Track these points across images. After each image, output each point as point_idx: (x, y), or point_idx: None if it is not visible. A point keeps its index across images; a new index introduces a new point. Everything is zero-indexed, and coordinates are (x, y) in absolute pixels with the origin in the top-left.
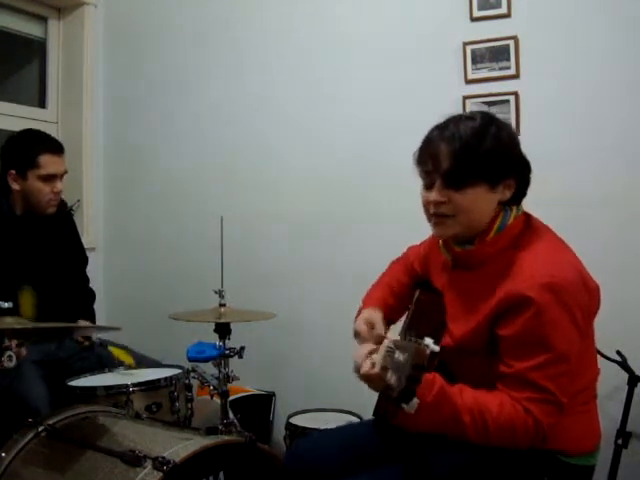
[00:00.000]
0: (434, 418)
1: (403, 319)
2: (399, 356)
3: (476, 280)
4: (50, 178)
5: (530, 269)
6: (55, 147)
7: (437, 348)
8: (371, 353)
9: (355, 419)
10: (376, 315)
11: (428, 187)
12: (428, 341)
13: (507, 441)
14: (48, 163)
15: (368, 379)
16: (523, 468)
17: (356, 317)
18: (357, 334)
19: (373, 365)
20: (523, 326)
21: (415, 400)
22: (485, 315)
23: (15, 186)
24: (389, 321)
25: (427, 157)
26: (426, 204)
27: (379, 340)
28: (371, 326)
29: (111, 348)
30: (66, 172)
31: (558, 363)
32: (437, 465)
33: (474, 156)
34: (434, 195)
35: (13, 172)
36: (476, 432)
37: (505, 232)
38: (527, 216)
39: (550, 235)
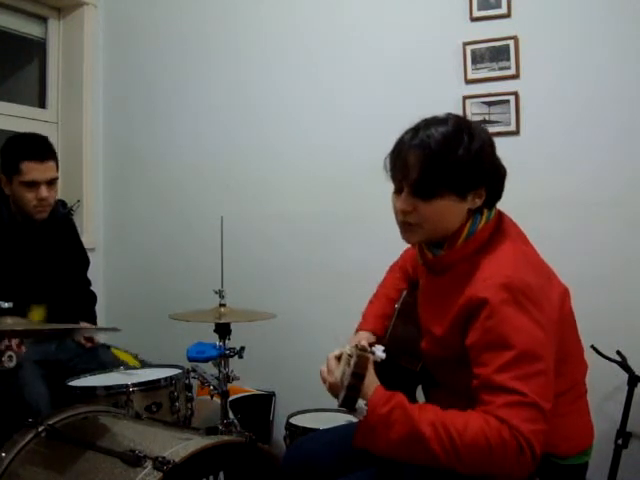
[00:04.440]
0: (392, 435)
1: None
2: (351, 363)
3: (444, 286)
4: (33, 185)
5: (488, 272)
6: (38, 154)
7: (383, 356)
8: (338, 358)
9: (355, 419)
10: (367, 340)
11: (397, 192)
12: (375, 348)
13: (484, 459)
14: (29, 170)
15: (325, 385)
16: None
17: (355, 332)
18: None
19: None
20: (481, 329)
21: (362, 407)
22: (450, 322)
23: (7, 191)
24: None
25: (396, 164)
26: (395, 210)
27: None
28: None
29: (115, 351)
30: (55, 179)
31: (525, 362)
32: (415, 468)
33: (443, 167)
34: (400, 203)
35: (4, 177)
36: (443, 448)
37: (474, 238)
38: (498, 219)
39: (516, 239)
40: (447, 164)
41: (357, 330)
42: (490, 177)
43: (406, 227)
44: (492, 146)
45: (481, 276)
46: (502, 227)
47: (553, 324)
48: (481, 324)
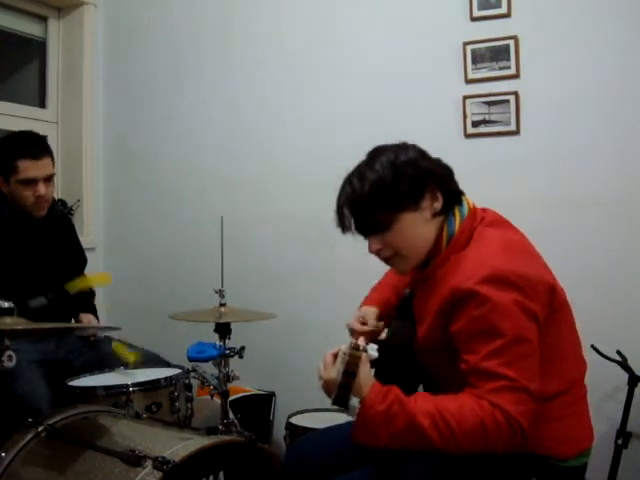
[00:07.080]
0: (392, 430)
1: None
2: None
3: (431, 284)
4: (30, 182)
5: (473, 263)
6: (33, 152)
7: (375, 355)
8: (334, 355)
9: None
10: (370, 312)
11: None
12: (369, 347)
13: (481, 442)
14: (26, 168)
15: (322, 382)
16: (509, 470)
17: (359, 307)
18: (350, 330)
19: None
20: (469, 318)
21: (355, 406)
22: (435, 313)
23: (4, 190)
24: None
25: (341, 221)
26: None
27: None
28: (363, 322)
29: (115, 344)
30: (52, 175)
31: (513, 347)
32: (412, 468)
33: (369, 198)
34: (370, 247)
35: (0, 177)
36: (441, 437)
37: (453, 244)
38: (475, 213)
39: (501, 227)
40: (371, 192)
41: (361, 305)
42: (428, 177)
43: (390, 262)
44: (414, 150)
45: (467, 267)
46: (485, 218)
47: (541, 308)
48: (468, 313)
